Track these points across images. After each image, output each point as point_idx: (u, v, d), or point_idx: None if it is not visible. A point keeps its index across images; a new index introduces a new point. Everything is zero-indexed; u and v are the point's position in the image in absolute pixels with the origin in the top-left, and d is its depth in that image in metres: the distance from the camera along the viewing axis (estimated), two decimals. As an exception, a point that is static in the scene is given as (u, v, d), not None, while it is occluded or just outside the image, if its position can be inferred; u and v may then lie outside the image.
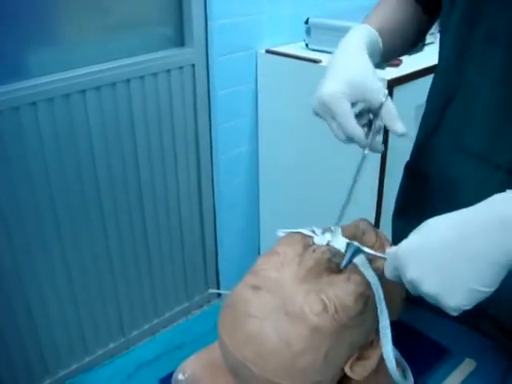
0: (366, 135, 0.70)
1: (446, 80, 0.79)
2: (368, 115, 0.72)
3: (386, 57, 0.84)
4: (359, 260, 0.63)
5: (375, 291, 0.62)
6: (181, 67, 1.81)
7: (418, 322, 0.84)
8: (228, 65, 1.89)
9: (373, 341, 0.64)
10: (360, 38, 0.76)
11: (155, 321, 2.11)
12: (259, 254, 2.29)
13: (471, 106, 0.75)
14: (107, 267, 1.87)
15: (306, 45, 1.91)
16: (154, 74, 1.75)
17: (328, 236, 0.66)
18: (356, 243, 0.63)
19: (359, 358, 0.64)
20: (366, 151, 0.69)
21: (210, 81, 1.90)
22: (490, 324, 0.82)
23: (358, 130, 0.69)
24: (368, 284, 0.62)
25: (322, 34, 1.86)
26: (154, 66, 1.75)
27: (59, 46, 1.61)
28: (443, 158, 0.81)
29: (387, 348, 0.62)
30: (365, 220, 0.72)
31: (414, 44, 0.93)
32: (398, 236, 0.87)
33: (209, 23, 1.80)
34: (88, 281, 1.84)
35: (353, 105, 0.70)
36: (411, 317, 0.82)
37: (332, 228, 0.67)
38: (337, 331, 0.60)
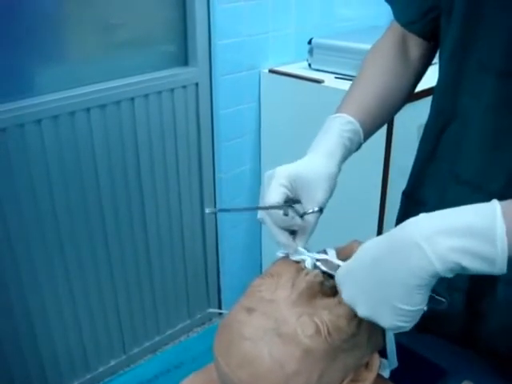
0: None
1: (442, 105, 0.80)
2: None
3: (373, 133, 0.81)
4: None
5: None
6: (184, 86, 1.83)
7: (416, 344, 0.84)
8: (231, 84, 1.90)
9: (367, 363, 0.64)
10: (336, 143, 0.72)
11: (157, 338, 2.11)
12: (261, 271, 2.29)
13: (464, 133, 0.76)
14: (109, 283, 1.88)
15: (309, 65, 1.93)
16: (158, 93, 1.77)
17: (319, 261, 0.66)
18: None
19: (353, 380, 0.63)
20: None
21: (213, 100, 1.91)
22: (485, 349, 0.82)
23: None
24: None
25: (324, 55, 1.88)
26: (158, 85, 1.77)
27: (64, 65, 1.63)
28: (438, 185, 0.82)
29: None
30: (358, 241, 0.72)
31: (412, 92, 0.88)
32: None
33: (212, 43, 1.83)
34: (90, 298, 1.84)
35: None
36: (409, 339, 0.82)
37: (326, 250, 0.67)
38: (330, 353, 0.60)
